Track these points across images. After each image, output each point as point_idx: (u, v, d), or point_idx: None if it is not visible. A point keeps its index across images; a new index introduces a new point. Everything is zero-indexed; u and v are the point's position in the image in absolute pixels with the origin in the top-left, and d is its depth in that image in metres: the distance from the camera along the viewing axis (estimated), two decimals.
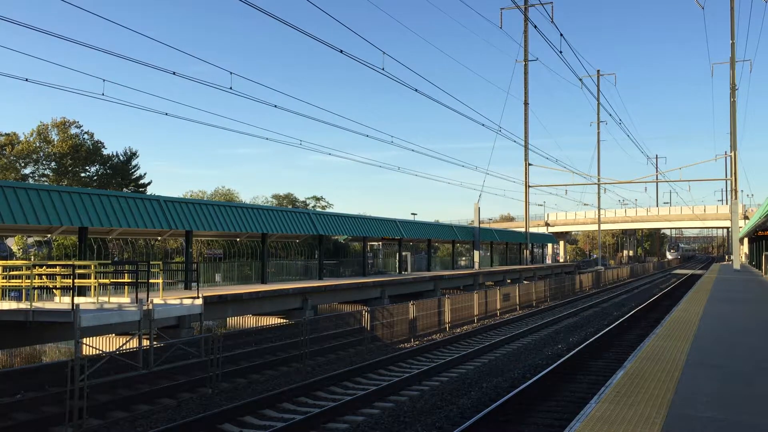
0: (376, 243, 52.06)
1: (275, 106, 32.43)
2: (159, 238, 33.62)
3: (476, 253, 51.13)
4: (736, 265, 42.58)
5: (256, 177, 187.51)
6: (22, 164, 49.45)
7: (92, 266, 16.07)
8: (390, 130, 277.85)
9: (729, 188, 50.40)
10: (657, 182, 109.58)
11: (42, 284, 16.37)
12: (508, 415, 10.83)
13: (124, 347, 14.20)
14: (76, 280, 14.04)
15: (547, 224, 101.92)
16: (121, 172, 54.92)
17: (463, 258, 63.06)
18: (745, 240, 70.47)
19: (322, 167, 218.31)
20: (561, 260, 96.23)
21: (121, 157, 56.63)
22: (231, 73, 22.33)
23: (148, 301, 14.16)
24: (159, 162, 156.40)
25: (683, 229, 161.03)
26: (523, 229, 64.93)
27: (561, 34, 25.99)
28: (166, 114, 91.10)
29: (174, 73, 21.54)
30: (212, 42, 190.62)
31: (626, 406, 6.20)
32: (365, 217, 38.00)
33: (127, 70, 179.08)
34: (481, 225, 53.19)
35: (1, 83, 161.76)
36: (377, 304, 25.31)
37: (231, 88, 22.07)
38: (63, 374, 12.44)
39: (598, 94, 76.44)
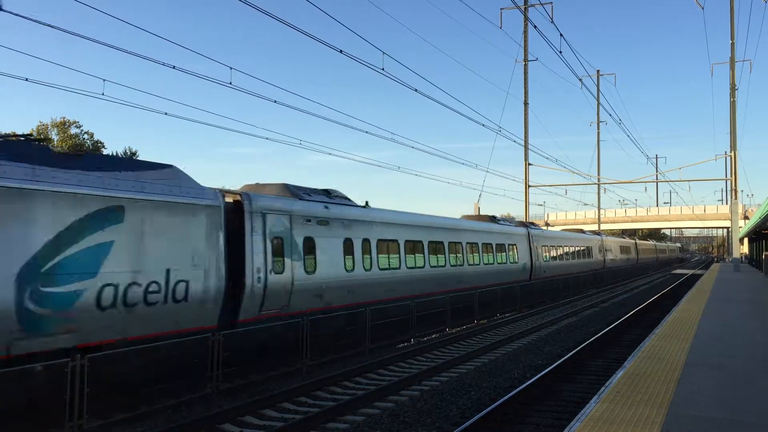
0: None
1: (275, 102, 32.30)
2: None
3: None
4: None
5: (256, 177, 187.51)
6: None
7: None
8: (390, 130, 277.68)
9: (729, 188, 50.40)
10: (657, 182, 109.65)
11: None
12: (507, 415, 10.84)
13: None
14: None
15: (547, 224, 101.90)
16: None
17: None
18: (746, 240, 70.51)
19: (322, 167, 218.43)
20: None
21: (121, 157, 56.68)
22: (231, 68, 22.09)
23: None
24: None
25: (683, 229, 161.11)
26: None
27: (561, 34, 25.90)
28: (166, 114, 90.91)
29: (174, 67, 21.39)
30: (212, 42, 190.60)
31: (626, 406, 6.20)
32: None
33: (127, 69, 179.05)
34: None
35: (1, 83, 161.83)
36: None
37: (231, 83, 21.90)
38: (63, 374, 12.41)
39: (598, 94, 76.44)
